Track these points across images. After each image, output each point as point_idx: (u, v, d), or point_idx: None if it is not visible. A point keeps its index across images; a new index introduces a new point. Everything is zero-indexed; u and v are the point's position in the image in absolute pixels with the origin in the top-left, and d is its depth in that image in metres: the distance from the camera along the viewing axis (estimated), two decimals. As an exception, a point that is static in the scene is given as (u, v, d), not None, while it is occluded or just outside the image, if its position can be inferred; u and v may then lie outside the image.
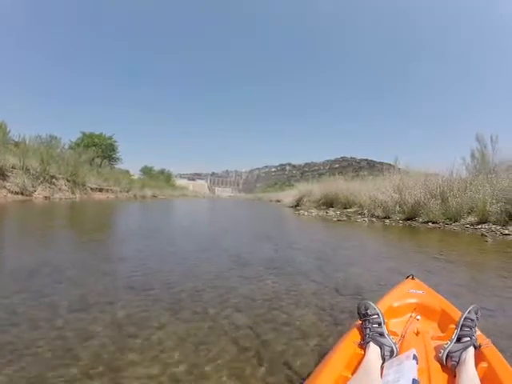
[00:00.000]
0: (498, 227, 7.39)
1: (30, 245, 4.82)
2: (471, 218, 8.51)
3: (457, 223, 8.53)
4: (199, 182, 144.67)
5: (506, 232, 6.81)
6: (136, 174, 50.15)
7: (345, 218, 11.23)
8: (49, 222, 8.19)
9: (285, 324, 2.13)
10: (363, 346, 1.28)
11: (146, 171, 55.46)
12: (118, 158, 39.54)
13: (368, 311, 1.42)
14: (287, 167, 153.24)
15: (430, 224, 8.87)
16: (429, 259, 4.46)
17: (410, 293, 1.75)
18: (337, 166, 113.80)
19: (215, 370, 1.55)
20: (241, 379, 1.49)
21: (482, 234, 6.82)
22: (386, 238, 7.42)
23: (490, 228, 7.44)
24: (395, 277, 3.45)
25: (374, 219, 10.58)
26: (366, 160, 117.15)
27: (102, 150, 35.43)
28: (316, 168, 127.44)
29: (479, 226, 7.79)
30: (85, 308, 2.28)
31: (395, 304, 1.64)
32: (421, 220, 9.42)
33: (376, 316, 1.39)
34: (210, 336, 1.91)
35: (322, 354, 1.70)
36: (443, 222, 8.77)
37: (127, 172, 43.06)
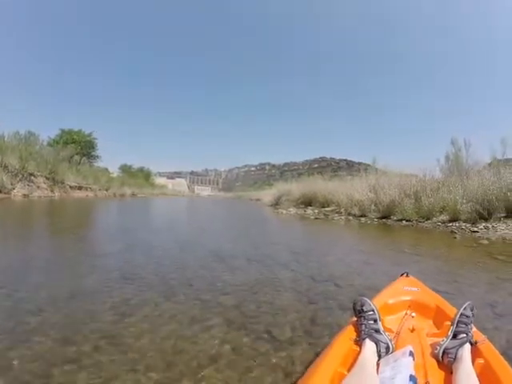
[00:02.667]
0: (468, 225, 7.69)
1: (21, 243, 4.84)
2: (443, 217, 8.83)
3: (429, 221, 8.84)
4: (178, 180, 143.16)
5: (475, 229, 7.11)
6: (115, 171, 49.38)
7: (322, 217, 11.46)
8: (35, 222, 8.30)
9: (266, 303, 2.38)
10: (359, 342, 1.28)
11: (125, 169, 54.58)
12: (97, 156, 38.75)
13: (364, 308, 1.41)
14: (267, 167, 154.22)
15: (403, 222, 9.17)
16: (398, 253, 4.71)
17: (405, 290, 1.75)
18: (316, 165, 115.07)
19: (208, 339, 1.77)
20: (231, 344, 1.72)
21: (452, 231, 7.12)
22: (361, 234, 7.73)
23: (461, 226, 7.73)
24: (365, 267, 3.79)
25: (350, 217, 10.80)
26: (345, 160, 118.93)
27: (80, 147, 34.59)
28: (295, 168, 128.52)
29: (450, 224, 8.09)
30: (84, 295, 2.44)
31: (390, 301, 1.64)
32: (395, 218, 9.71)
33: (372, 312, 1.39)
34: (202, 314, 2.13)
35: (298, 326, 1.98)
36: (416, 220, 9.07)
37: (106, 170, 42.37)
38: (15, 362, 1.48)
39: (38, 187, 22.04)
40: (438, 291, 2.56)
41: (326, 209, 13.91)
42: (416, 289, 1.75)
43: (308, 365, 1.44)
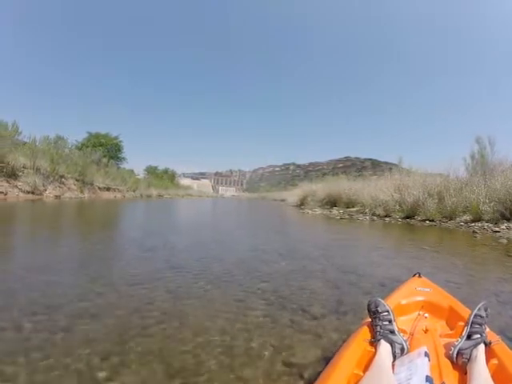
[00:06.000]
0: (490, 225, 7.86)
1: (73, 239, 5.41)
2: (466, 217, 9.01)
3: (452, 221, 9.05)
4: (203, 181, 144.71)
5: (497, 229, 7.29)
6: (140, 173, 50.39)
7: (347, 217, 11.77)
8: (78, 221, 9.05)
9: (299, 288, 2.84)
10: (374, 343, 1.29)
11: (151, 171, 55.69)
12: (123, 158, 39.92)
13: (378, 308, 1.42)
14: (291, 167, 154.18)
15: (427, 222, 9.41)
16: (417, 249, 5.06)
17: (418, 291, 1.76)
18: (340, 165, 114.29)
19: (252, 314, 2.19)
20: (272, 318, 2.12)
21: (474, 231, 7.31)
22: (384, 233, 8.05)
23: (483, 226, 7.91)
24: (386, 261, 4.21)
25: (374, 218, 11.12)
26: (370, 160, 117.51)
27: (107, 149, 35.80)
28: (320, 167, 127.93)
29: (472, 224, 8.28)
30: (140, 283, 2.84)
31: (403, 302, 1.65)
32: (419, 218, 9.95)
33: (386, 313, 1.40)
34: (244, 296, 2.58)
35: (327, 305, 2.41)
36: (439, 220, 9.30)
37: (132, 172, 43.39)
38: (91, 336, 1.76)
39: (69, 189, 23.02)
40: (450, 282, 2.99)
41: (351, 209, 14.19)
42: (428, 289, 1.77)
43: (337, 344, 1.84)
